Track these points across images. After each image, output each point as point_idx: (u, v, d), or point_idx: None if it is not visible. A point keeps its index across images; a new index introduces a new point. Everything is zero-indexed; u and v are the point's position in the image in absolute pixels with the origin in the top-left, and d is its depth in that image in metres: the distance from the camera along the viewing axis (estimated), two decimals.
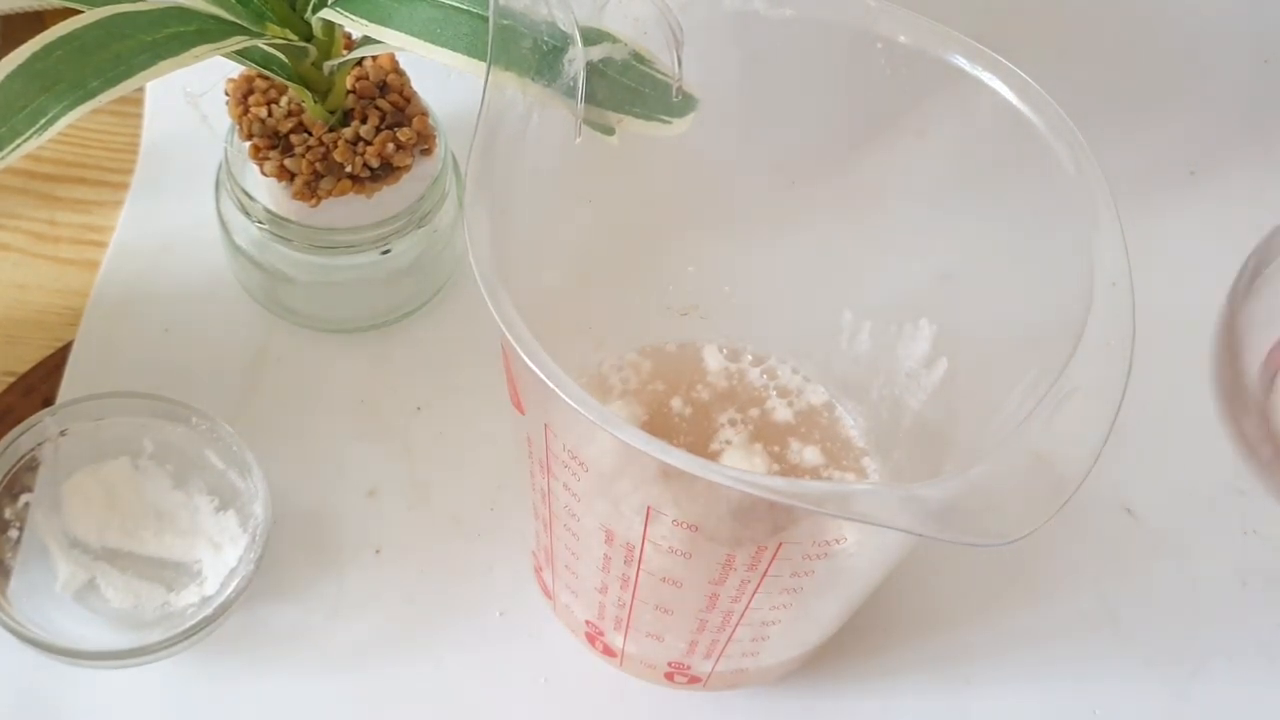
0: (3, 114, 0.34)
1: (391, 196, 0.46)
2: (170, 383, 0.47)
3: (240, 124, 0.46)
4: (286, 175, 0.45)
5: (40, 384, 0.49)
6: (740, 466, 0.43)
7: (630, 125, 0.36)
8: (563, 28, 0.34)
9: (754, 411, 0.46)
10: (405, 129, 0.46)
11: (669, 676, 0.43)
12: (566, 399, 0.29)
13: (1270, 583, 0.49)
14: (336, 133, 0.45)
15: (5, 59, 0.35)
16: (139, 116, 0.56)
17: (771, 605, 0.37)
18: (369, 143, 0.45)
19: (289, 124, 0.45)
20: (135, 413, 0.45)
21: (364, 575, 0.46)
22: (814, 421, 0.46)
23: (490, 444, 0.49)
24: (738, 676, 0.43)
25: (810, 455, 0.45)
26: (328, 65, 0.44)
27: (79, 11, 0.37)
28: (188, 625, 0.41)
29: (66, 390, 0.48)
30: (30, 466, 0.45)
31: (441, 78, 0.43)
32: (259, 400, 0.49)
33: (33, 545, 0.44)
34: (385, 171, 0.46)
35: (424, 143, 0.47)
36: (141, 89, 0.50)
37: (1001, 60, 0.36)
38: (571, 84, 0.34)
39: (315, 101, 0.45)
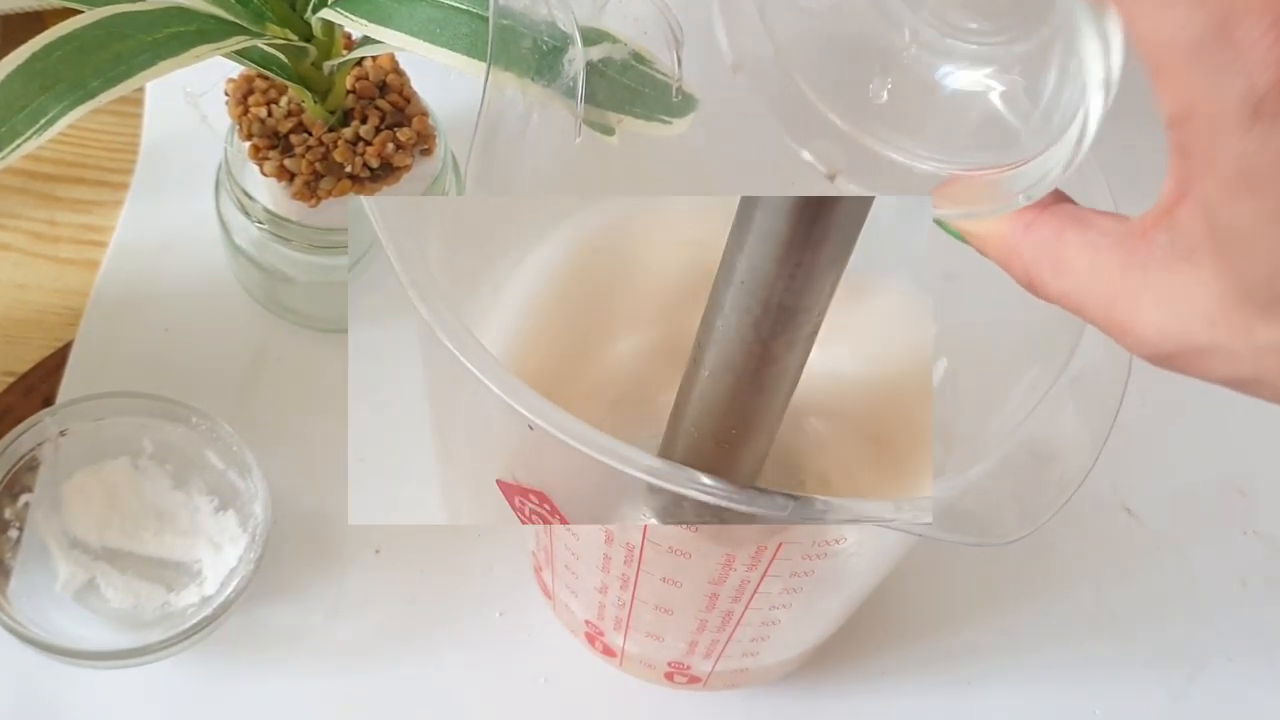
0: (3, 114, 0.35)
1: None
2: (170, 383, 0.47)
3: (240, 124, 0.46)
4: (286, 175, 0.45)
5: (40, 384, 0.49)
6: None
7: (630, 125, 0.36)
8: (563, 28, 0.34)
9: None
10: (405, 129, 0.46)
11: (669, 676, 0.43)
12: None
13: (1270, 583, 0.49)
14: (336, 133, 0.45)
15: (5, 59, 0.35)
16: (139, 116, 0.55)
17: (771, 605, 0.37)
18: (369, 143, 0.45)
19: (289, 124, 0.45)
20: (135, 413, 0.45)
21: (364, 575, 0.46)
22: None
23: None
24: (738, 676, 0.43)
25: None
26: (328, 65, 0.44)
27: (79, 11, 0.37)
28: (188, 625, 0.41)
29: (66, 390, 0.48)
30: (30, 466, 0.45)
31: (441, 78, 0.43)
32: (259, 400, 0.49)
33: (33, 545, 0.44)
34: (385, 171, 0.46)
35: (424, 143, 0.47)
36: (141, 89, 0.50)
37: None
38: (571, 84, 0.34)
39: (315, 101, 0.45)
